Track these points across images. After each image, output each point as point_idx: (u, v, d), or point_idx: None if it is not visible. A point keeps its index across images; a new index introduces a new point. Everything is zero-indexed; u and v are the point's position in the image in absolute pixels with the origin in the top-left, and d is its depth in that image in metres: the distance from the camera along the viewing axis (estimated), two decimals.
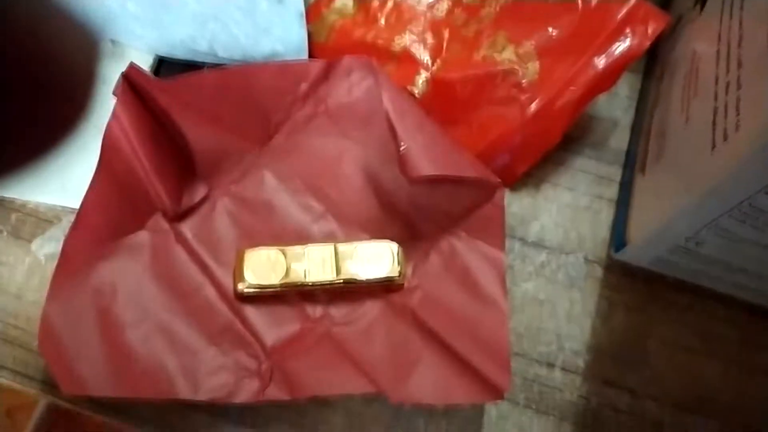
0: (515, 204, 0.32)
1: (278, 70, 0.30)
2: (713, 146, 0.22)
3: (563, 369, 0.29)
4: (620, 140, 0.33)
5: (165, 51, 0.31)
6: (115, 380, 0.26)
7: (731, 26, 0.24)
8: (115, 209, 0.28)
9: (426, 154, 0.28)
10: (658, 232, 0.27)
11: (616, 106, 0.34)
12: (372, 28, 0.32)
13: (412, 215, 0.30)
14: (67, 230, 0.29)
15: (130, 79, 0.27)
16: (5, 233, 0.30)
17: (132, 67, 0.27)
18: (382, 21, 0.32)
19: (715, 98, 0.23)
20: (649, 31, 0.29)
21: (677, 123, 0.27)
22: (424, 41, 0.31)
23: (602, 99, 0.34)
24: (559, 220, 0.31)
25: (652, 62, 0.34)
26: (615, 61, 0.30)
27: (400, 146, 0.28)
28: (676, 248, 0.27)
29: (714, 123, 0.23)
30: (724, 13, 0.25)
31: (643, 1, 0.30)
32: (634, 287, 0.30)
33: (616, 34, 0.30)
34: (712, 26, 0.26)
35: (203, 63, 0.32)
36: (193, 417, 0.27)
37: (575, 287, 0.30)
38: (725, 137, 0.21)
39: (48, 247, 0.30)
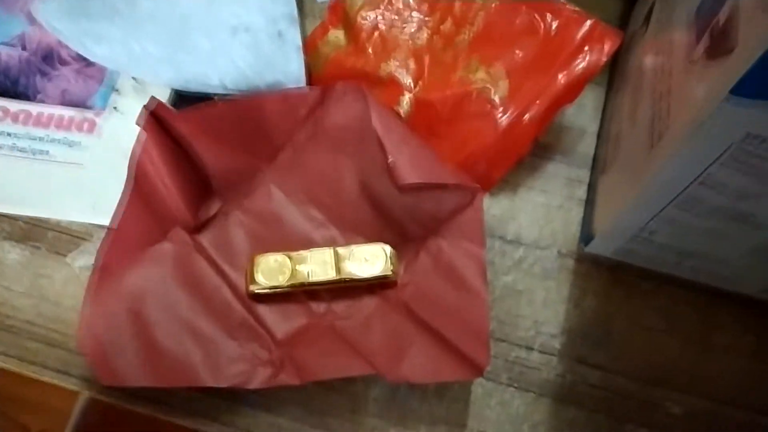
0: (495, 206, 0.35)
1: (281, 98, 0.35)
2: (651, 146, 0.26)
3: (541, 351, 0.32)
4: (588, 146, 0.37)
5: (181, 86, 0.36)
6: (147, 371, 0.30)
7: (664, 42, 0.28)
8: (142, 224, 0.32)
9: (411, 165, 0.32)
10: (617, 225, 0.30)
11: (584, 116, 0.38)
12: (361, 57, 0.36)
13: (402, 220, 0.34)
14: (97, 244, 0.33)
15: (153, 111, 0.32)
16: (43, 249, 0.34)
17: (154, 100, 0.31)
18: (370, 50, 0.36)
19: (653, 105, 0.27)
20: (605, 48, 0.33)
21: (627, 128, 0.31)
22: (407, 67, 0.35)
23: (571, 110, 0.38)
24: (535, 219, 0.35)
25: (612, 76, 0.38)
26: (576, 77, 0.33)
27: (388, 159, 0.32)
28: (634, 238, 0.30)
29: (652, 126, 0.26)
30: (660, 31, 0.29)
31: (598, 22, 0.34)
32: (601, 276, 0.33)
33: (576, 53, 0.34)
34: (652, 42, 0.30)
35: (214, 94, 0.36)
36: (216, 402, 0.31)
37: (550, 278, 0.34)
38: (660, 136, 0.25)
39: (81, 259, 0.34)
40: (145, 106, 0.31)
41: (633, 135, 0.29)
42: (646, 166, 0.27)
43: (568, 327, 0.33)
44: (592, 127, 0.37)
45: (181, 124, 0.32)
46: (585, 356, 0.32)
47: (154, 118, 0.32)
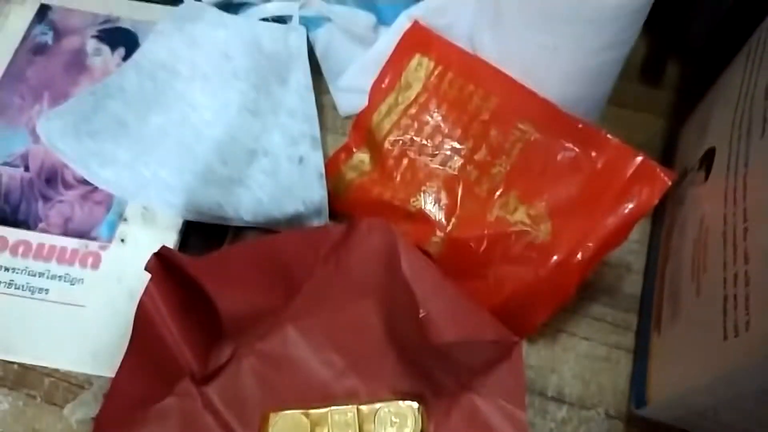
0: (533, 355, 0.32)
1: (301, 237, 0.32)
2: (725, 337, 0.23)
3: None
4: (633, 286, 0.34)
5: (193, 216, 0.33)
6: None
7: (735, 212, 0.25)
8: (145, 379, 0.29)
9: (446, 318, 0.29)
10: (677, 400, 0.27)
11: (627, 251, 0.35)
12: (388, 186, 0.33)
13: (432, 370, 0.31)
14: (98, 394, 0.30)
15: (162, 256, 0.29)
16: (39, 399, 0.31)
17: (163, 247, 0.29)
18: (398, 179, 0.33)
19: (724, 285, 0.24)
20: (657, 189, 0.30)
21: (689, 293, 0.27)
22: (438, 201, 0.33)
23: None
24: (578, 371, 0.32)
25: (660, 208, 0.35)
26: (625, 219, 0.30)
27: (420, 313, 0.29)
28: (697, 414, 0.27)
29: (725, 312, 0.23)
30: (730, 185, 0.26)
31: (648, 160, 0.31)
32: None
33: (625, 193, 0.31)
34: (717, 195, 0.27)
35: (227, 226, 0.33)
36: None
37: None
38: (736, 333, 0.22)
39: (80, 412, 0.31)
40: (154, 253, 0.29)
41: (698, 307, 0.26)
42: (717, 355, 0.23)
43: None
44: (638, 264, 0.34)
45: (192, 269, 0.29)
46: None
47: (162, 262, 0.29)
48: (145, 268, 0.29)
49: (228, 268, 0.30)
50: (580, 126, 0.32)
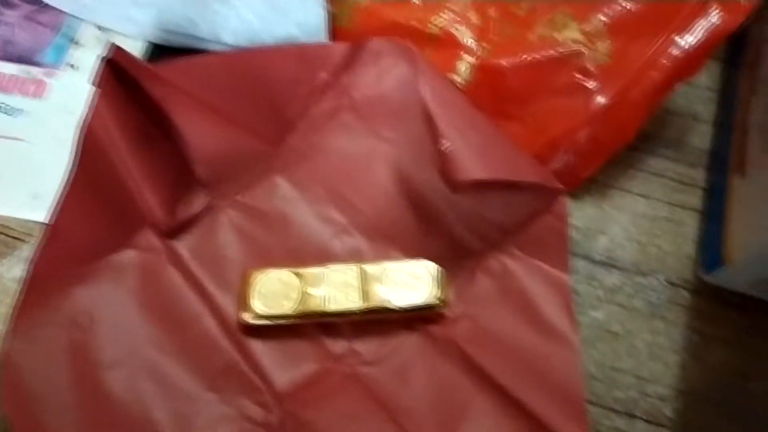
0: (577, 214, 0.26)
1: (293, 54, 0.26)
2: None
3: (647, 420, 0.23)
4: (702, 138, 0.28)
5: (159, 37, 0.27)
6: None
7: None
8: (95, 222, 0.24)
9: (474, 154, 0.23)
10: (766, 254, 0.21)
11: (695, 98, 0.29)
12: (404, 7, 0.27)
13: (454, 228, 0.25)
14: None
15: (115, 65, 0.23)
16: None
17: (116, 49, 0.22)
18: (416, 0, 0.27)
19: None
20: (742, 4, 0.24)
21: None
22: (467, 21, 0.26)
23: (677, 90, 0.28)
24: (633, 233, 0.26)
25: (737, 47, 0.28)
26: (702, 41, 0.25)
27: (443, 145, 0.23)
28: None
29: None
30: None
31: None
32: (731, 316, 0.24)
33: (703, 8, 0.24)
34: None
35: (204, 51, 0.27)
36: None
37: (657, 316, 0.25)
38: None
39: (18, 269, 0.25)
40: (103, 57, 0.22)
41: None
42: None
43: (685, 387, 0.23)
44: (707, 113, 0.28)
45: (154, 83, 0.23)
46: (709, 430, 0.23)
47: (116, 74, 0.23)
48: (92, 82, 0.23)
49: (198, 85, 0.24)
50: None
